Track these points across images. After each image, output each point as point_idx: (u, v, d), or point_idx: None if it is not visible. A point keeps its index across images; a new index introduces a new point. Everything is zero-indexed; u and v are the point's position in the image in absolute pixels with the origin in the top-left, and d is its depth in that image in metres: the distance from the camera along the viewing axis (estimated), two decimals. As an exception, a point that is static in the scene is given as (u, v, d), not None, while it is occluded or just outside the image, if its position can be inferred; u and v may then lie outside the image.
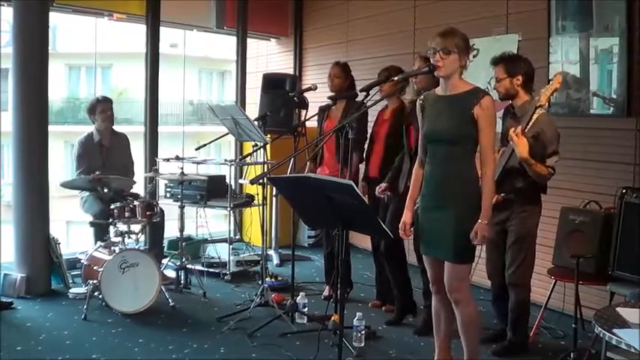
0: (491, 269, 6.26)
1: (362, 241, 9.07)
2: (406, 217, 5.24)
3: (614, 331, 3.42)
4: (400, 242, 6.20)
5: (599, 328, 3.53)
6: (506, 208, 5.91)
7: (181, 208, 7.93)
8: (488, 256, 6.28)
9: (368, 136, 7.40)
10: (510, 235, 5.97)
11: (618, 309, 3.84)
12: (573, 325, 5.71)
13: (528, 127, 5.58)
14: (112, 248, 7.04)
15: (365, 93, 5.87)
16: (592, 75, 6.93)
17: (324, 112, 7.56)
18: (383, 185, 6.83)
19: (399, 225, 5.27)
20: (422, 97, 5.16)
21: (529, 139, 5.59)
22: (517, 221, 5.91)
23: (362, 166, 7.53)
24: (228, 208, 8.58)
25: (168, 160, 8.69)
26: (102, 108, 8.07)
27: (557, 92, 5.52)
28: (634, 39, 6.50)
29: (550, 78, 6.07)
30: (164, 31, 9.88)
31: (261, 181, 6.53)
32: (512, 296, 6.03)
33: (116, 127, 8.37)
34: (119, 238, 7.12)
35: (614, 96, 6.71)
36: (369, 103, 5.79)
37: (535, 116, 5.59)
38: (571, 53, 7.10)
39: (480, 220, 4.76)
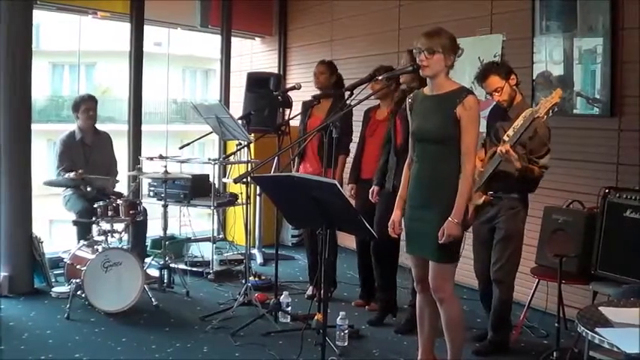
0: (480, 267, 6.28)
1: (345, 240, 9.07)
2: (395, 215, 5.24)
3: (597, 330, 3.43)
4: (390, 242, 6.20)
5: (582, 327, 3.53)
6: (493, 206, 5.93)
7: (165, 207, 7.91)
8: (476, 254, 6.32)
9: (356, 135, 7.43)
10: (498, 232, 6.00)
11: (601, 308, 3.84)
12: (556, 325, 5.74)
13: (523, 134, 5.56)
14: (95, 247, 7.02)
15: (349, 92, 5.88)
16: (576, 75, 6.95)
17: (307, 108, 7.57)
18: (375, 190, 6.84)
19: (389, 223, 5.28)
20: (411, 96, 5.18)
21: (523, 144, 5.64)
22: (505, 218, 5.95)
23: (348, 166, 7.55)
24: (212, 207, 8.58)
25: (151, 158, 8.69)
26: (86, 107, 8.02)
27: (556, 110, 5.50)
28: (618, 39, 6.52)
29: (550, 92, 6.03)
30: (148, 30, 9.87)
31: (244, 180, 6.52)
32: (496, 294, 6.06)
33: (99, 126, 8.33)
34: (102, 237, 7.09)
35: (598, 96, 6.73)
36: (352, 103, 5.79)
37: (532, 126, 5.58)
38: (555, 53, 7.13)
39: (450, 218, 4.77)
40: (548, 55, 7.20)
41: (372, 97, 6.38)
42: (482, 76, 6.01)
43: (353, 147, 7.58)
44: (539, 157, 5.81)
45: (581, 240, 6.16)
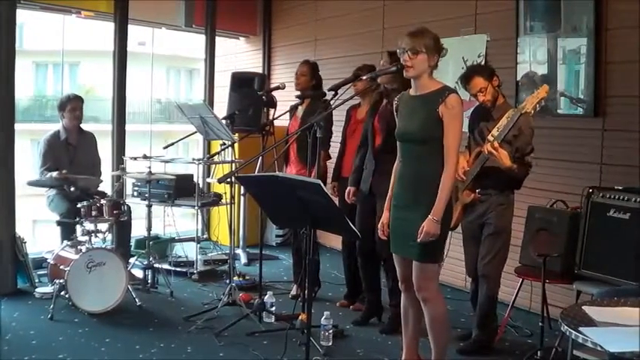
0: (471, 265, 6.28)
1: (330, 240, 9.07)
2: (384, 217, 5.25)
3: (580, 329, 3.43)
4: (374, 242, 6.21)
5: (566, 327, 3.54)
6: (483, 203, 5.96)
7: (149, 207, 7.89)
8: (466, 251, 6.33)
9: (337, 134, 7.44)
10: (488, 227, 6.02)
11: (584, 307, 3.85)
12: (540, 324, 5.77)
13: (510, 131, 5.60)
14: (79, 247, 6.99)
15: (333, 92, 5.88)
16: (560, 75, 6.97)
17: (292, 111, 7.59)
18: (351, 191, 6.85)
19: (378, 225, 5.28)
20: (398, 97, 5.19)
21: (508, 141, 5.67)
22: (495, 214, 5.97)
23: (330, 165, 7.55)
24: (196, 207, 8.56)
25: (135, 158, 8.66)
26: (72, 106, 8.00)
27: (542, 105, 5.58)
28: (602, 40, 6.55)
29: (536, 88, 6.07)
30: (132, 29, 9.84)
31: (228, 180, 6.51)
32: (482, 290, 6.08)
33: (83, 126, 8.29)
34: (86, 237, 7.06)
35: (582, 96, 6.75)
36: (337, 102, 5.79)
37: (518, 124, 5.63)
38: (539, 53, 7.14)
39: (430, 217, 4.77)
40: (532, 56, 7.22)
41: (354, 94, 6.41)
42: (465, 79, 6.06)
43: (335, 145, 7.58)
44: (525, 154, 5.85)
45: (564, 240, 6.17)
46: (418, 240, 4.78)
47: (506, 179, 5.87)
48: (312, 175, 6.20)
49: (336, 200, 6.52)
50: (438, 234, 4.80)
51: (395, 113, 5.17)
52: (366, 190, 6.60)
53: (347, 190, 6.89)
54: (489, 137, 5.65)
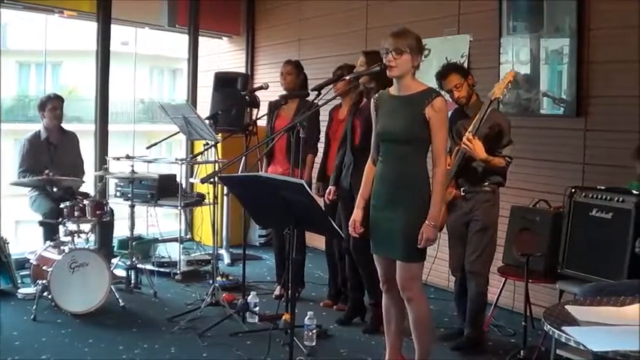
0: (456, 262, 6.29)
1: (313, 240, 9.06)
2: (356, 215, 5.22)
3: (563, 328, 3.44)
4: (364, 241, 6.22)
5: (549, 326, 3.54)
6: (468, 200, 5.99)
7: (132, 207, 7.88)
8: (452, 249, 6.33)
9: (322, 135, 7.44)
10: (475, 224, 6.05)
11: (567, 307, 3.86)
12: (523, 323, 5.78)
13: (483, 120, 5.67)
14: (62, 248, 6.96)
15: (316, 92, 5.88)
16: (542, 75, 6.99)
17: (274, 109, 7.57)
18: (331, 189, 6.87)
19: (349, 223, 5.27)
20: (376, 96, 5.17)
21: (484, 135, 5.74)
22: (482, 210, 6.01)
23: (317, 166, 7.55)
24: (179, 207, 8.54)
25: (118, 158, 8.63)
26: (52, 105, 7.97)
27: (510, 89, 5.67)
28: (584, 40, 6.57)
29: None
30: (115, 29, 9.80)
31: (211, 180, 6.50)
32: (472, 287, 6.10)
33: (66, 126, 8.27)
34: (69, 238, 7.04)
35: (564, 96, 6.77)
36: (320, 102, 5.79)
37: (489, 110, 5.70)
38: (522, 54, 7.16)
39: (427, 222, 4.78)
40: (515, 56, 7.23)
41: (335, 95, 6.42)
42: (442, 75, 6.16)
43: (321, 147, 7.58)
44: (502, 147, 5.89)
45: (547, 239, 6.19)
46: (420, 246, 4.81)
47: (489, 175, 5.92)
48: (296, 176, 6.20)
49: (320, 201, 6.53)
50: (436, 237, 4.84)
51: (374, 112, 5.16)
52: (346, 186, 6.61)
53: (327, 190, 6.91)
54: (467, 134, 5.71)
